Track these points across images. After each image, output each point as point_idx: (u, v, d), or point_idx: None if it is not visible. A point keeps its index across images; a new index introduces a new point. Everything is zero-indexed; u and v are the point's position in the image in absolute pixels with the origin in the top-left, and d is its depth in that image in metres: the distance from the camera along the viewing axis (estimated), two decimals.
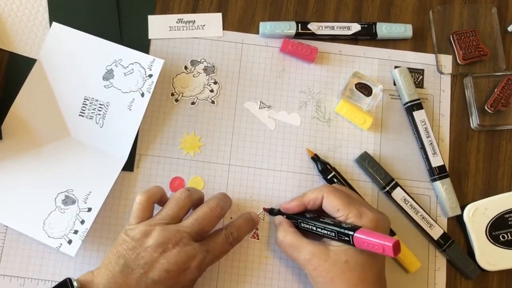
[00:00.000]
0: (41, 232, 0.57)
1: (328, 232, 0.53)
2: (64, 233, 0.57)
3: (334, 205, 0.54)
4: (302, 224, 0.56)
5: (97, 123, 0.61)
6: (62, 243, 0.56)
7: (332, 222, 0.53)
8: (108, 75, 0.61)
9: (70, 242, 0.56)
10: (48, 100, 0.61)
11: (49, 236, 0.57)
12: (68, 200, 0.58)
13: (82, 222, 0.57)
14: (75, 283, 0.49)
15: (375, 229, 0.51)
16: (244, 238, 0.57)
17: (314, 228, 0.54)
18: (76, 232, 0.56)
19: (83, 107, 0.61)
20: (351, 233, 0.50)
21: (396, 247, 0.47)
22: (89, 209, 0.57)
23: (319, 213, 0.56)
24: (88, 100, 0.61)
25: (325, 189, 0.55)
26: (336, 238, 0.52)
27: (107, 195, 0.57)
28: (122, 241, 0.52)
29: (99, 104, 0.61)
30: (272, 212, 0.60)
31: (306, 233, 0.56)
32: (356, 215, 0.52)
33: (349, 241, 0.51)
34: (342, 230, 0.51)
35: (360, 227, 0.51)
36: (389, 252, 0.47)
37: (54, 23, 0.62)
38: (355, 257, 0.51)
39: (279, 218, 0.58)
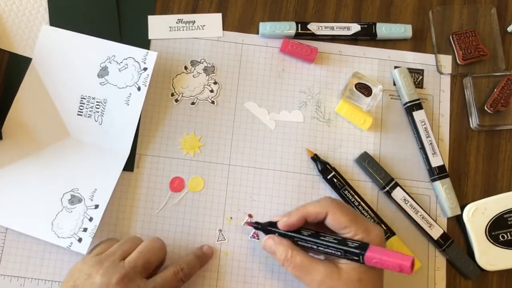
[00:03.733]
0: (50, 233, 0.57)
1: (334, 251, 0.50)
2: (73, 232, 0.57)
3: (340, 223, 0.51)
4: (299, 242, 0.52)
5: (96, 121, 0.61)
6: (72, 242, 0.56)
7: (336, 241, 0.50)
8: (103, 72, 0.61)
9: (80, 240, 0.56)
10: (45, 102, 0.61)
11: (58, 237, 0.57)
12: (75, 199, 0.58)
13: (91, 219, 0.57)
14: None
15: (381, 243, 0.51)
16: (195, 273, 0.56)
17: (315, 247, 0.51)
18: (85, 229, 0.56)
19: (81, 106, 0.61)
20: (362, 252, 0.48)
21: (413, 265, 0.47)
22: (96, 206, 0.57)
23: (315, 227, 0.54)
24: (85, 99, 0.61)
25: (330, 205, 0.52)
26: (343, 257, 0.50)
27: (112, 190, 0.57)
28: (69, 277, 0.52)
29: (97, 101, 0.61)
30: (257, 227, 0.56)
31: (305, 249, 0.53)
32: (364, 231, 0.50)
33: (358, 260, 0.49)
34: (350, 249, 0.49)
35: (367, 244, 0.49)
36: (407, 270, 0.46)
37: (44, 26, 0.62)
38: (367, 274, 0.50)
39: (274, 238, 0.53)
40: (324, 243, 0.51)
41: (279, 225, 0.53)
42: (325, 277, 0.50)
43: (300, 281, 0.52)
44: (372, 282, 0.50)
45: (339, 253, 0.50)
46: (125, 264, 0.51)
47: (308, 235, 0.52)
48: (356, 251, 0.49)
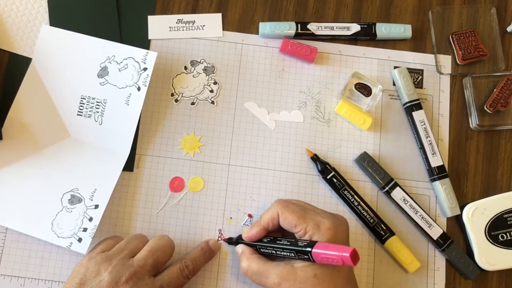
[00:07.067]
0: (50, 233, 0.57)
1: (288, 253, 0.51)
2: (73, 232, 0.57)
3: (290, 221, 0.52)
4: (261, 249, 0.55)
5: (96, 121, 0.61)
6: (72, 242, 0.56)
7: (288, 242, 0.51)
8: (103, 72, 0.61)
9: (80, 240, 0.56)
10: (45, 102, 0.61)
11: (58, 237, 0.57)
12: (74, 199, 0.58)
13: (91, 219, 0.57)
14: None
15: (334, 236, 0.51)
16: (201, 269, 0.56)
17: (274, 252, 0.53)
18: (85, 229, 0.57)
19: (81, 106, 0.61)
20: (309, 249, 0.49)
21: (354, 256, 0.46)
22: (96, 206, 0.57)
23: (282, 232, 0.55)
24: (85, 99, 0.61)
25: (278, 206, 0.53)
26: (297, 258, 0.51)
27: (112, 190, 0.57)
28: (75, 274, 0.51)
29: (96, 102, 0.61)
30: (231, 241, 0.59)
31: (273, 257, 0.54)
32: (314, 227, 0.51)
33: (309, 259, 0.49)
34: (300, 249, 0.50)
35: (316, 242, 0.49)
36: (349, 262, 0.46)
37: (44, 26, 0.62)
38: (322, 269, 0.50)
39: (240, 247, 0.56)
40: (280, 246, 0.52)
41: (243, 238, 0.56)
42: (282, 279, 0.51)
43: (262, 287, 0.53)
44: (329, 277, 0.50)
45: (292, 254, 0.51)
46: (134, 262, 0.51)
47: (267, 241, 0.54)
48: (305, 249, 0.49)
